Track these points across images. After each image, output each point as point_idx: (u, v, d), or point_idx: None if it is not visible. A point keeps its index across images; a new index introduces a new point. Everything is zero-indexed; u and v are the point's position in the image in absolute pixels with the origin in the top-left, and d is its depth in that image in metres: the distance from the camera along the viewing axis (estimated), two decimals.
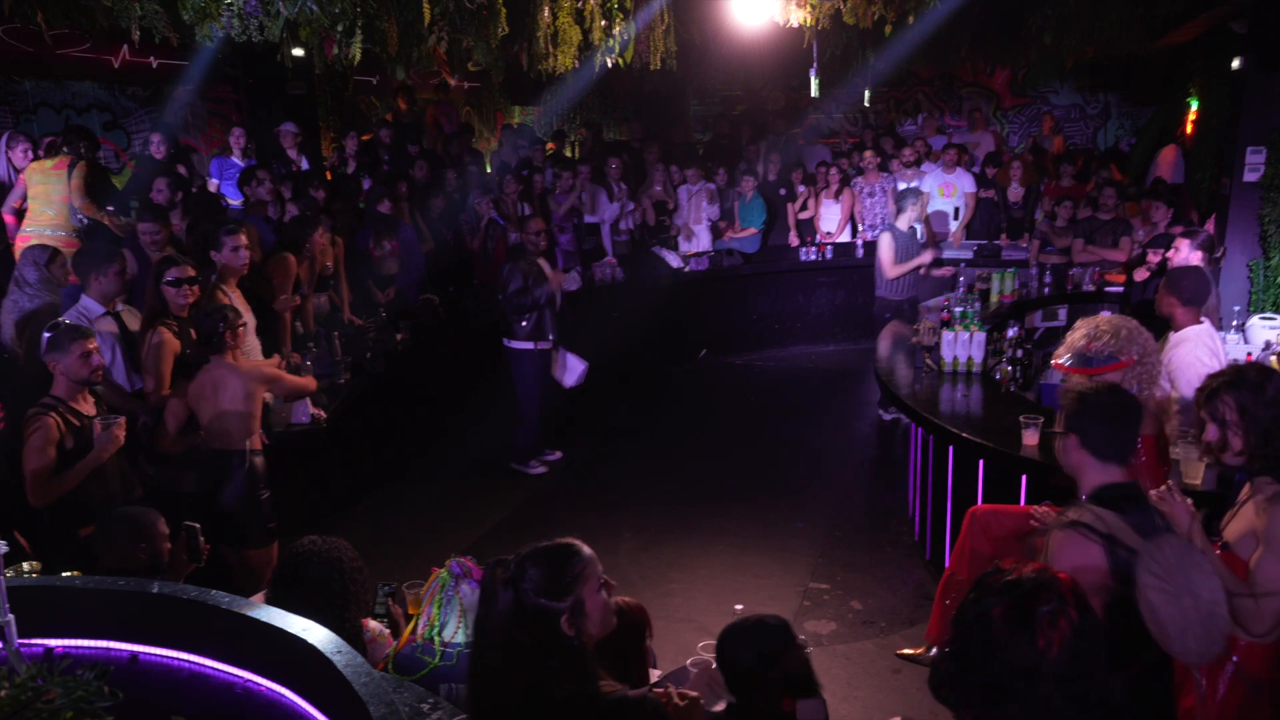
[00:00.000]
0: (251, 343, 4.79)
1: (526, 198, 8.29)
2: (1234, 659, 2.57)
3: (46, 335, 3.69)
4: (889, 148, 10.07)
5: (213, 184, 7.74)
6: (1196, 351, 4.13)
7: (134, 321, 4.59)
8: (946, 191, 9.09)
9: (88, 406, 3.71)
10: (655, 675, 2.98)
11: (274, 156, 8.13)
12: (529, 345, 6.24)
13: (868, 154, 9.55)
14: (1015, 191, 9.12)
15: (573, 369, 6.46)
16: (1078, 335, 3.52)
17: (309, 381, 4.63)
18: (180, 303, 4.36)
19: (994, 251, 8.58)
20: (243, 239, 4.81)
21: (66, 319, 4.19)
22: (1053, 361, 3.62)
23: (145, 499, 4.00)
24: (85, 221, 6.02)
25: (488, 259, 8.00)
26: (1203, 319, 4.27)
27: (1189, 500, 2.58)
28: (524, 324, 6.18)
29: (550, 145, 11.35)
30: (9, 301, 4.67)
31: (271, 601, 2.39)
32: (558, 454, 6.69)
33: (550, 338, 6.29)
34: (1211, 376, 2.70)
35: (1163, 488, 2.61)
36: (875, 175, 9.39)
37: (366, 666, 1.88)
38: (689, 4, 6.35)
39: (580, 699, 1.94)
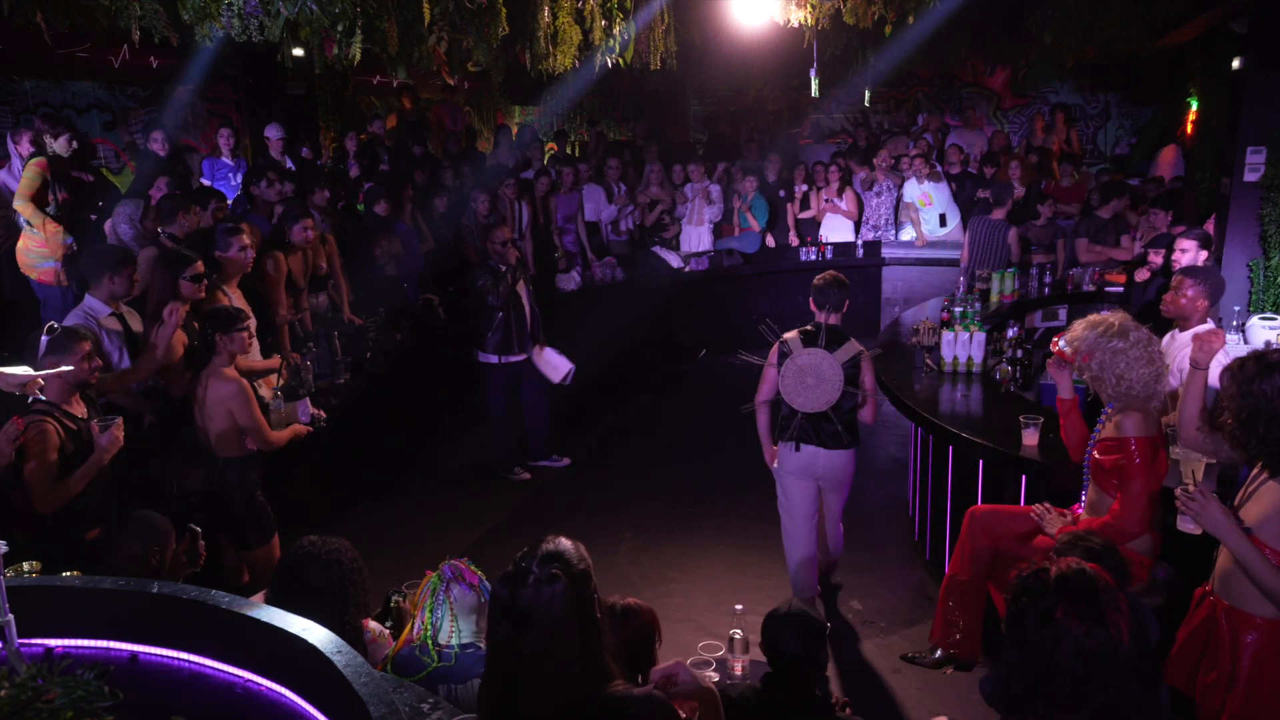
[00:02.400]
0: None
1: (524, 198, 8.28)
2: (1250, 637, 2.58)
3: (44, 339, 3.68)
4: (892, 149, 10.10)
5: (205, 184, 7.72)
6: None
7: (135, 322, 4.60)
8: (926, 202, 9.16)
9: (80, 409, 3.67)
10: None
11: (267, 156, 8.12)
12: (494, 359, 6.23)
13: (882, 153, 9.59)
14: (1015, 191, 9.13)
15: (558, 367, 6.40)
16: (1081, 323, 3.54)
17: (277, 436, 4.22)
18: (196, 297, 4.45)
19: None
20: (246, 238, 4.86)
21: (69, 320, 4.19)
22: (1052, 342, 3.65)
23: (152, 496, 4.00)
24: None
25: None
26: (1208, 319, 4.27)
27: (1215, 497, 2.56)
28: (491, 336, 6.17)
29: (551, 145, 11.35)
30: None
31: (271, 602, 2.39)
32: (565, 460, 6.68)
33: (517, 351, 6.24)
34: (1255, 354, 2.72)
35: (1190, 486, 2.60)
36: (884, 175, 9.43)
37: (366, 666, 1.88)
38: (689, 4, 6.35)
39: (585, 694, 1.94)
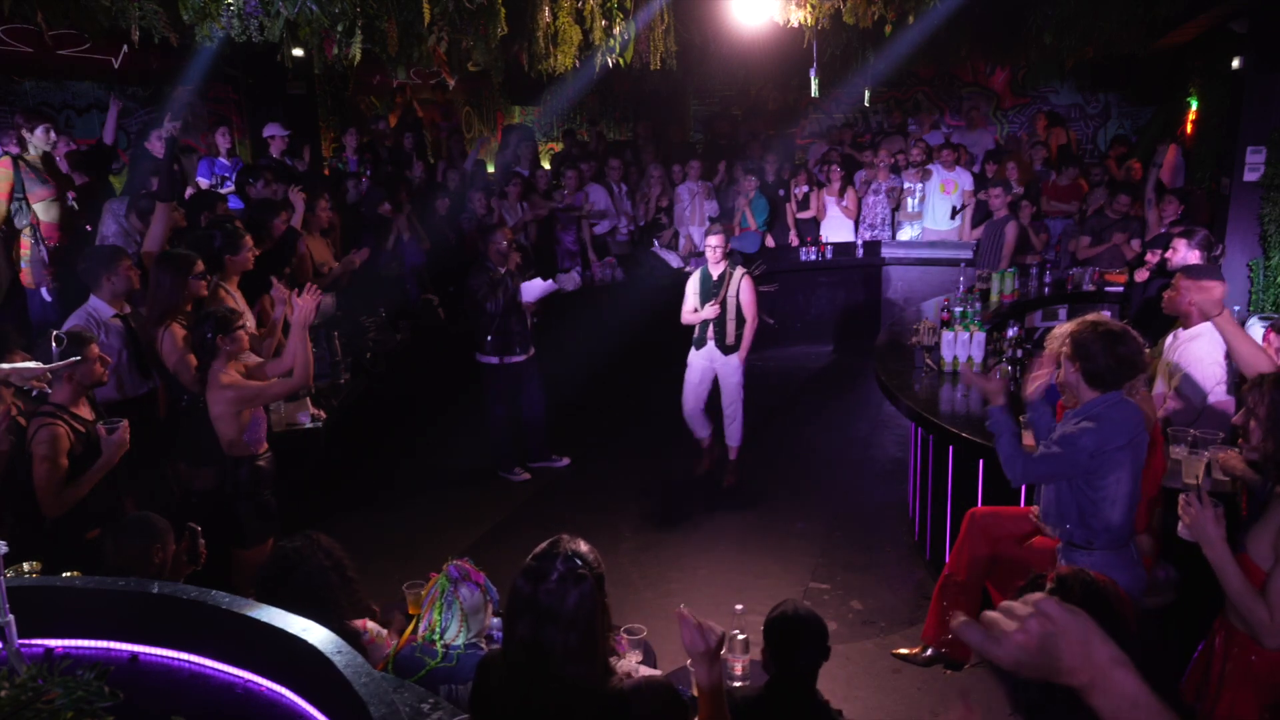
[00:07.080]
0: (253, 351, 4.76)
1: (527, 199, 8.28)
2: (1253, 657, 2.57)
3: (55, 350, 3.68)
4: (892, 148, 10.09)
5: (203, 183, 7.69)
6: (1211, 349, 4.12)
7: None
8: (948, 188, 9.16)
9: (86, 411, 3.67)
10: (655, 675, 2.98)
11: (268, 156, 8.10)
12: (494, 360, 6.23)
13: (881, 152, 9.58)
14: (1015, 191, 9.13)
15: (531, 288, 6.18)
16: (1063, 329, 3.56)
17: (276, 385, 4.10)
18: (200, 296, 4.44)
19: None
20: (249, 239, 4.89)
21: (71, 322, 4.18)
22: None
23: (157, 497, 4.00)
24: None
25: None
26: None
27: (1219, 508, 2.53)
28: (491, 339, 6.16)
29: (553, 145, 11.34)
30: None
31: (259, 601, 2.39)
32: (565, 460, 6.68)
33: (518, 353, 6.24)
34: None
35: (1190, 493, 2.58)
36: (884, 175, 9.42)
37: (367, 666, 1.88)
38: (689, 4, 6.35)
39: (590, 692, 1.95)
